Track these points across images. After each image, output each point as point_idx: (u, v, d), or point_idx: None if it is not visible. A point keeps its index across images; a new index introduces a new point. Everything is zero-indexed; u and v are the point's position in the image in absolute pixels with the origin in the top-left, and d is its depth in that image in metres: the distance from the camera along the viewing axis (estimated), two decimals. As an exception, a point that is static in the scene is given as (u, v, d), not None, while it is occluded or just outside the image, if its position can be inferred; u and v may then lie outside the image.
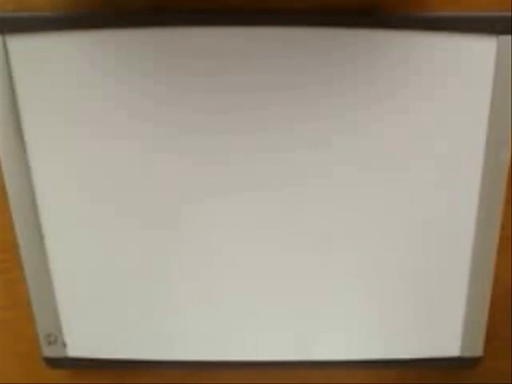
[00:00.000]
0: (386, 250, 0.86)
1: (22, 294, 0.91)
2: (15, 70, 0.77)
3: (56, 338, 0.93)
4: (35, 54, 0.76)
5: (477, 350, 0.93)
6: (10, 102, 0.78)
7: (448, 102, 0.78)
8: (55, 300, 0.90)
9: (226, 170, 0.82)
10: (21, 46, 0.76)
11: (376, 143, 0.80)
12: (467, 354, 0.93)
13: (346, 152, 0.81)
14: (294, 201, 0.83)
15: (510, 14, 0.74)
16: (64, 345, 0.93)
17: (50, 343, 0.93)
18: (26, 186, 0.83)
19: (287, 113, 0.79)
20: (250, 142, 0.80)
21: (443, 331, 0.91)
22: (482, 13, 0.74)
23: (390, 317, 0.90)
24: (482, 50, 0.75)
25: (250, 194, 0.83)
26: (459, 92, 0.78)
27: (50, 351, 0.94)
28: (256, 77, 0.77)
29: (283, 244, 0.86)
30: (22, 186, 0.83)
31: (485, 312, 0.90)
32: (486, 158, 0.81)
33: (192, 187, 0.83)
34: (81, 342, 0.94)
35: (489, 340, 0.93)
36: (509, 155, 0.81)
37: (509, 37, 0.75)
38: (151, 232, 0.85)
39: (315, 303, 0.90)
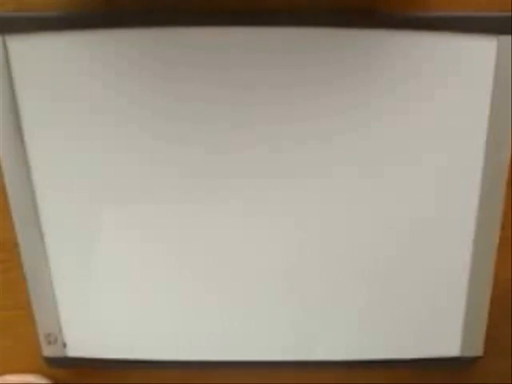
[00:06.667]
0: (386, 250, 0.86)
1: (22, 294, 0.91)
2: (15, 70, 0.77)
3: (56, 338, 0.93)
4: (35, 54, 0.76)
5: (477, 350, 0.93)
6: (10, 102, 0.78)
7: (448, 102, 0.78)
8: (55, 300, 0.90)
9: (226, 170, 0.82)
10: (21, 45, 0.76)
11: (376, 143, 0.80)
12: (467, 354, 0.93)
13: (346, 151, 0.81)
14: (294, 200, 0.83)
15: (510, 13, 0.74)
16: (64, 345, 0.93)
17: (49, 343, 0.93)
18: (26, 186, 0.83)
19: (287, 113, 0.79)
20: (250, 140, 0.80)
21: (443, 331, 0.91)
22: (482, 13, 0.74)
23: (390, 317, 0.90)
24: (482, 49, 0.75)
25: (249, 195, 0.83)
26: (459, 92, 0.78)
27: (49, 351, 0.94)
28: (256, 77, 0.77)
29: (283, 244, 0.86)
30: (22, 186, 0.83)
31: (485, 312, 0.90)
32: (486, 158, 0.81)
33: (192, 188, 0.83)
34: (81, 342, 0.94)
35: (489, 340, 0.93)
36: (509, 155, 0.81)
37: (509, 37, 0.75)
38: (151, 231, 0.85)
39: (315, 303, 0.90)
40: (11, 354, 0.97)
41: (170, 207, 0.84)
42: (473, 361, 0.94)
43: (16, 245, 0.87)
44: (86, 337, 0.93)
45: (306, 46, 0.75)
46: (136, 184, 0.83)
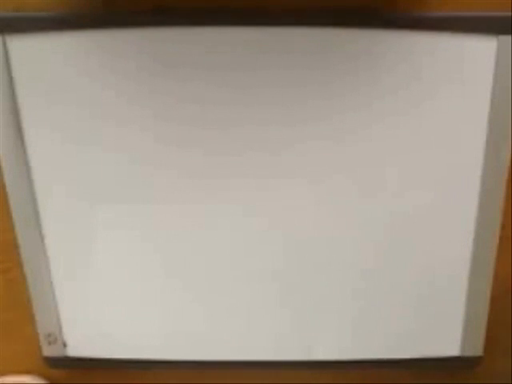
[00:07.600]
0: (386, 250, 0.86)
1: (22, 294, 0.91)
2: (15, 69, 0.77)
3: (56, 338, 0.93)
4: (35, 54, 0.76)
5: (477, 350, 0.93)
6: (10, 102, 0.78)
7: (448, 102, 0.78)
8: (55, 300, 0.90)
9: (225, 171, 0.82)
10: (21, 45, 0.76)
11: (376, 143, 0.80)
12: (467, 353, 0.93)
13: (347, 151, 0.81)
14: (293, 201, 0.83)
15: (510, 13, 0.74)
16: (64, 345, 0.93)
17: (50, 343, 0.93)
18: (25, 186, 0.83)
19: (288, 114, 0.79)
20: (249, 141, 0.80)
21: (443, 331, 0.91)
22: (482, 13, 0.74)
23: (390, 317, 0.90)
24: (482, 49, 0.75)
25: (248, 196, 0.83)
26: (459, 92, 0.78)
27: (49, 351, 0.94)
28: (257, 78, 0.77)
29: (283, 244, 0.86)
30: (22, 185, 0.83)
31: (485, 312, 0.90)
32: (486, 158, 0.81)
33: (192, 188, 0.83)
34: (81, 342, 0.94)
35: (489, 340, 0.93)
36: (509, 155, 0.81)
37: (509, 37, 0.75)
38: (151, 231, 0.85)
39: (315, 303, 0.90)
40: (11, 354, 0.97)
41: (170, 208, 0.84)
42: (473, 361, 0.94)
43: (16, 245, 0.87)
44: (86, 337, 0.93)
45: (306, 47, 0.75)
46: (136, 184, 0.83)
